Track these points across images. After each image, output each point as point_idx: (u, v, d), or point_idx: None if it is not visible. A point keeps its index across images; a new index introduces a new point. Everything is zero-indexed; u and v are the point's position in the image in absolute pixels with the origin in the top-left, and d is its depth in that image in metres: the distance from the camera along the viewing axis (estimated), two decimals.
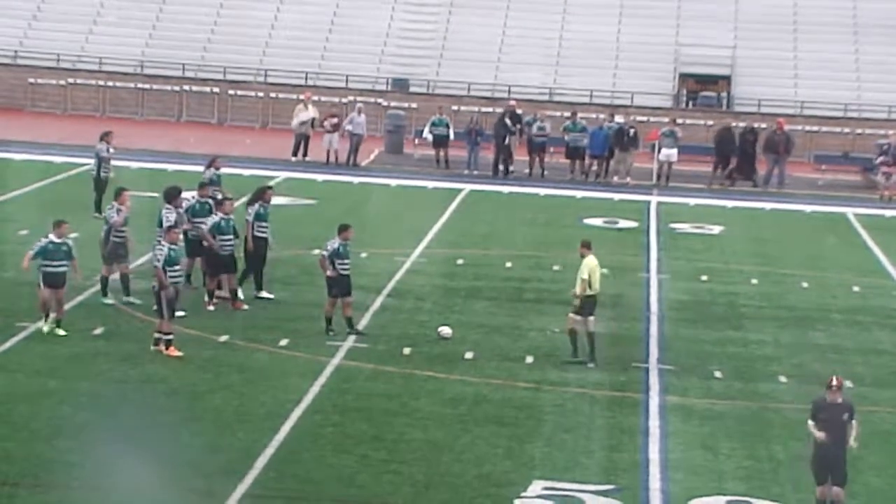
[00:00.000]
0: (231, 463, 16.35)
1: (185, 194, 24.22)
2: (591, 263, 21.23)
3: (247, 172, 30.70)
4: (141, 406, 18.32)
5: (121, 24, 49.99)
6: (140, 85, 47.89)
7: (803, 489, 16.48)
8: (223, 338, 21.65)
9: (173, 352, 20.34)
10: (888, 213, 36.65)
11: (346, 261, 22.19)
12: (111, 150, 30.93)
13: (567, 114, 41.36)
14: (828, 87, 47.20)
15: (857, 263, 29.99)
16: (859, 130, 43.57)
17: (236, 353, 21.01)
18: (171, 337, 20.50)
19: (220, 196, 25.09)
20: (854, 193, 38.94)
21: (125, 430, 17.33)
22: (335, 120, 40.49)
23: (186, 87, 47.90)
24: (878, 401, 20.24)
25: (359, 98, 45.27)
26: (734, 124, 41.66)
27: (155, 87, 47.88)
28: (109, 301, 22.82)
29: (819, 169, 42.07)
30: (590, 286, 21.10)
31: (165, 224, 22.71)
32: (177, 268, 20.76)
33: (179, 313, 21.94)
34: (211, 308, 22.98)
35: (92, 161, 31.14)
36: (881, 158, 39.05)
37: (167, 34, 49.81)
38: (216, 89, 47.84)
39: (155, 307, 20.69)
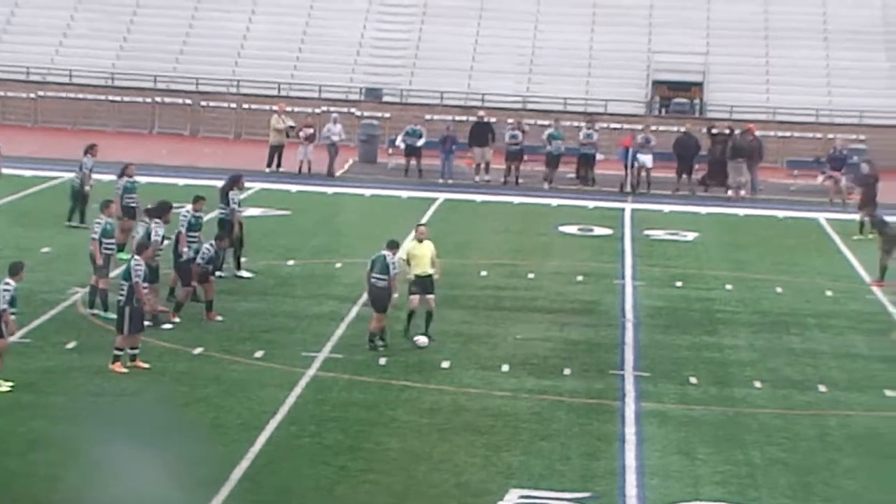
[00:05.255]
0: (207, 475, 16.28)
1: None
2: (416, 247, 22.46)
3: (220, 184, 30.62)
4: (116, 419, 18.24)
5: (91, 36, 49.85)
6: (111, 97, 47.75)
7: (780, 494, 16.52)
8: (198, 350, 21.59)
9: (119, 367, 20.21)
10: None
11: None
12: (92, 164, 30.90)
13: (546, 122, 41.52)
14: (799, 92, 47.43)
15: (830, 268, 30.13)
16: (831, 135, 43.79)
17: (211, 365, 20.94)
18: (136, 351, 20.41)
19: (133, 205, 26.67)
20: (825, 198, 39.09)
21: (100, 443, 17.25)
22: (310, 130, 40.49)
23: (158, 99, 47.79)
24: (852, 404, 20.32)
25: (332, 108, 45.26)
26: (703, 129, 41.80)
27: (126, 98, 47.74)
28: (111, 315, 22.42)
29: (791, 174, 42.25)
30: (432, 265, 22.56)
31: (154, 238, 22.74)
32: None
33: (166, 326, 22.22)
34: (177, 320, 22.84)
35: (73, 174, 31.01)
36: (826, 165, 39.32)
37: (138, 45, 49.70)
38: (188, 101, 47.74)
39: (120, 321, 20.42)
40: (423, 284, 22.56)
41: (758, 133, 40.91)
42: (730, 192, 39.28)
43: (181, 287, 23.53)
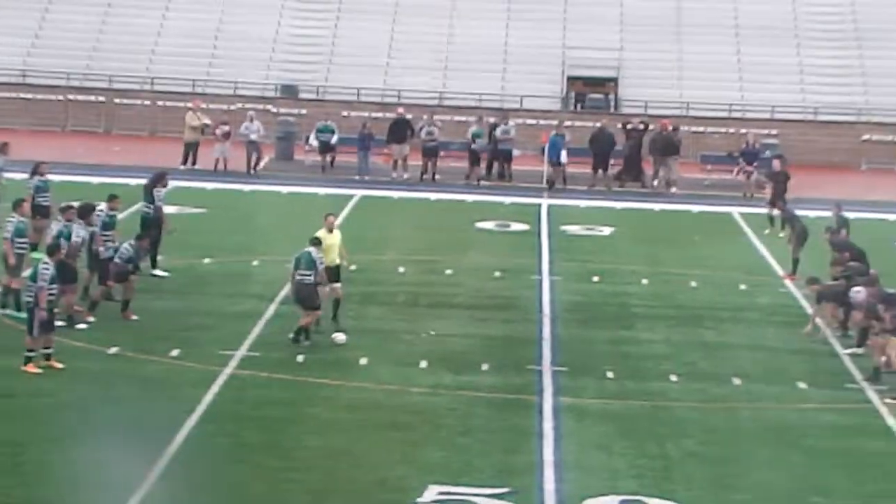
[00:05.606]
0: (123, 475, 16.15)
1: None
2: (326, 237, 22.82)
3: (133, 182, 30.36)
4: (30, 421, 18.02)
5: (2, 33, 49.12)
6: (23, 95, 47.12)
7: (695, 486, 16.71)
8: (113, 349, 21.39)
9: (32, 368, 19.98)
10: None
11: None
12: (3, 162, 30.50)
13: (462, 118, 41.62)
14: (712, 87, 47.93)
15: (744, 262, 30.49)
16: (743, 130, 44.33)
17: (127, 364, 20.77)
18: (34, 354, 20.17)
19: (46, 204, 26.16)
20: (739, 193, 39.56)
21: (14, 445, 17.03)
22: (227, 128, 40.26)
23: (71, 97, 47.24)
24: (765, 396, 20.60)
25: (248, 105, 45.02)
26: (618, 125, 42.15)
27: (39, 96, 47.15)
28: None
29: (705, 169, 42.70)
30: (340, 257, 23.15)
31: (74, 239, 22.52)
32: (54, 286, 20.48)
33: (81, 326, 22.01)
34: (91, 319, 22.62)
35: None
36: (740, 160, 39.84)
37: (50, 42, 49.10)
38: (102, 98, 47.25)
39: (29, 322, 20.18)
40: (331, 274, 22.84)
41: (671, 128, 41.29)
42: (656, 185, 39.66)
43: (97, 285, 23.31)
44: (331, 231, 23.23)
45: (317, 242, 22.34)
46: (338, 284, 23.08)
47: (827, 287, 23.99)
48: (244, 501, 15.88)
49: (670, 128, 40.87)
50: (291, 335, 21.86)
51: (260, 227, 32.40)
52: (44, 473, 16.18)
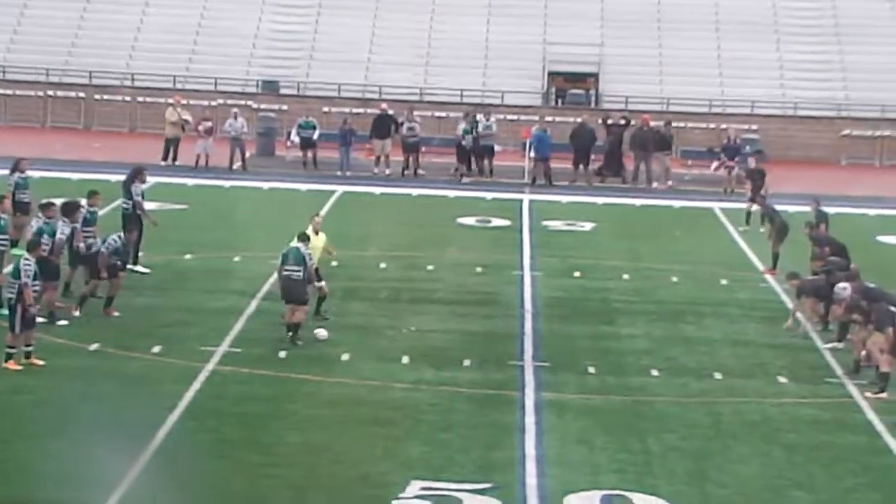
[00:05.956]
0: (105, 472, 16.13)
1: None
2: (313, 238, 22.77)
3: (114, 178, 30.28)
4: (10, 418, 17.98)
5: None
6: (2, 91, 46.95)
7: (676, 480, 16.77)
8: (94, 346, 21.35)
9: (12, 365, 19.93)
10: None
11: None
12: None
13: (443, 114, 41.58)
14: (692, 83, 48.02)
15: (725, 257, 30.57)
16: (724, 125, 44.43)
17: (108, 361, 20.73)
18: (30, 349, 20.16)
19: (26, 200, 26.03)
20: (719, 188, 39.64)
21: None
22: (209, 124, 40.19)
23: (51, 93, 47.10)
24: (745, 391, 20.67)
25: (228, 101, 44.95)
26: (599, 120, 42.23)
27: (18, 92, 46.99)
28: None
29: (686, 164, 42.79)
30: (314, 253, 22.83)
31: (59, 237, 22.49)
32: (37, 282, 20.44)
33: (62, 322, 21.93)
34: (77, 314, 22.60)
35: None
36: (720, 155, 39.97)
37: (29, 38, 48.92)
38: (82, 94, 47.11)
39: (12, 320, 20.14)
40: (312, 274, 22.82)
41: (652, 123, 41.39)
42: (654, 184, 39.76)
43: (82, 283, 23.27)
44: (317, 233, 23.14)
45: (305, 238, 22.29)
46: (322, 283, 23.15)
47: (807, 282, 24.07)
48: (225, 497, 15.88)
49: (661, 123, 40.99)
50: (289, 335, 21.80)
51: (241, 223, 32.36)
52: (24, 471, 16.14)
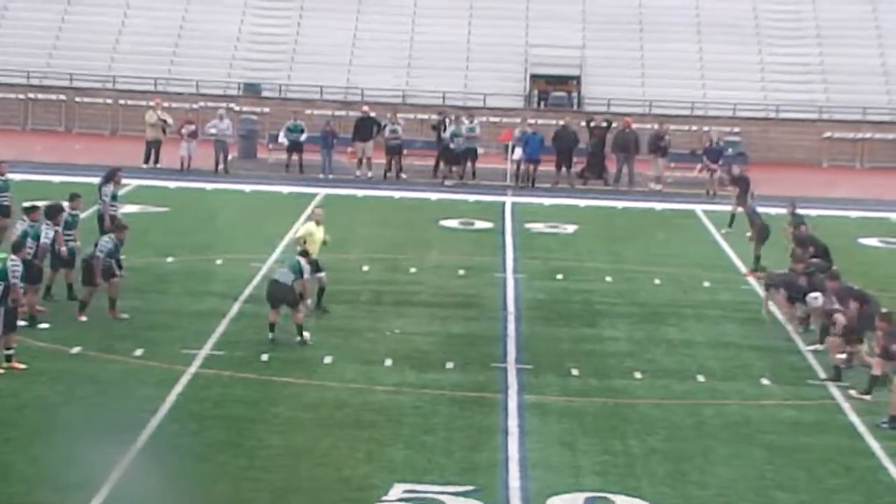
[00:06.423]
0: (86, 476, 16.08)
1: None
2: (315, 228, 23.72)
3: (95, 181, 30.23)
4: None
5: None
6: None
7: (658, 482, 16.79)
8: (75, 349, 21.29)
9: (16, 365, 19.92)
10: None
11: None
12: None
13: (425, 116, 41.58)
14: (674, 85, 48.16)
15: (707, 259, 30.64)
16: (706, 128, 44.54)
17: (89, 364, 20.67)
18: (11, 352, 20.09)
19: (6, 203, 26.29)
20: (702, 190, 39.74)
21: None
22: (192, 127, 40.13)
23: (32, 95, 46.98)
24: (727, 393, 20.70)
25: (210, 104, 44.91)
26: (581, 122, 42.28)
27: None
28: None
29: (668, 167, 42.86)
30: (315, 245, 23.45)
31: (44, 240, 22.48)
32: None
33: (43, 325, 21.88)
34: (84, 318, 22.59)
35: None
36: (703, 157, 40.10)
37: (10, 40, 48.80)
38: (63, 96, 47.01)
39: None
40: (314, 265, 23.19)
41: (634, 126, 41.47)
42: (650, 184, 39.86)
43: (72, 287, 23.30)
44: (318, 224, 23.98)
45: (305, 254, 22.57)
46: (322, 274, 23.57)
47: (775, 275, 24.23)
48: (207, 500, 15.84)
49: (655, 126, 41.19)
50: (297, 339, 21.82)
51: (223, 225, 32.32)
52: (6, 474, 16.08)
